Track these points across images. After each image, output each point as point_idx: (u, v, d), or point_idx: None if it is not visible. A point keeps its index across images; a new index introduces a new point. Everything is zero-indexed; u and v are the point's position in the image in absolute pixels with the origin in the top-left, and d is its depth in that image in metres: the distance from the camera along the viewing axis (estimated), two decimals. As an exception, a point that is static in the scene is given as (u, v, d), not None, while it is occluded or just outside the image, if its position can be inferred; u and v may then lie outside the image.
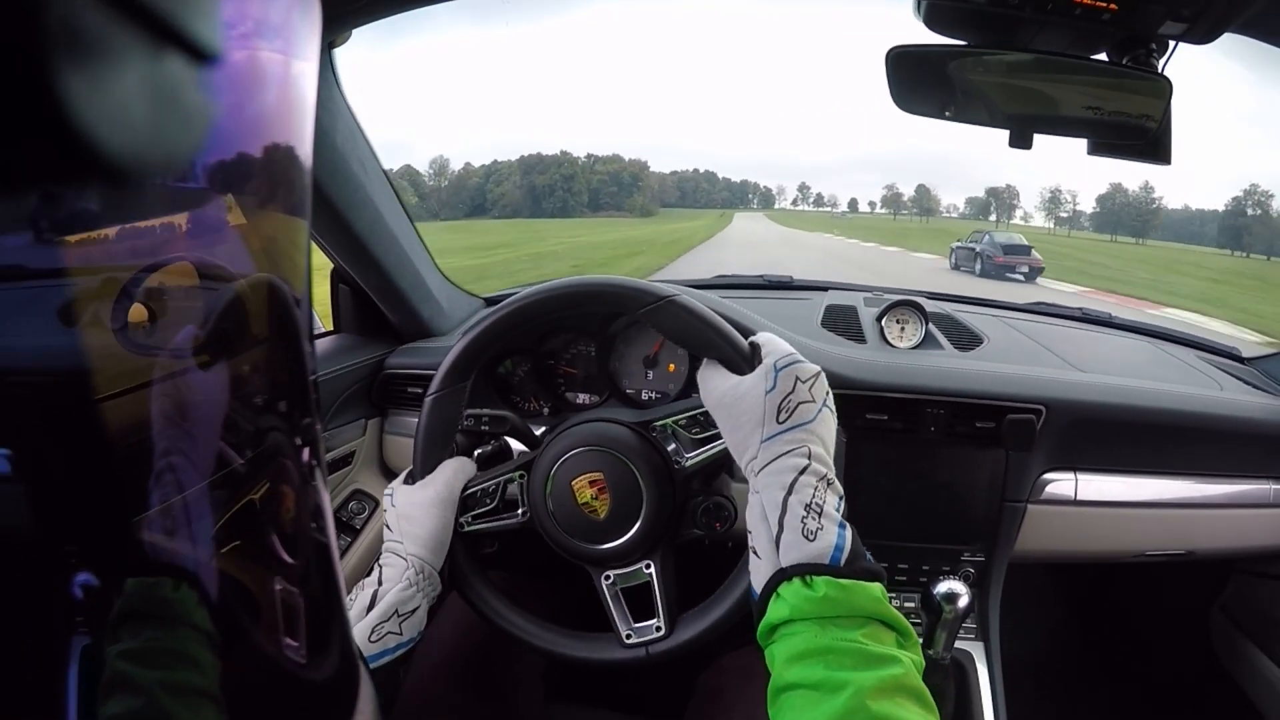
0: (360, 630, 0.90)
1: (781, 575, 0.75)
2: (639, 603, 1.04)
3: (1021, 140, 1.04)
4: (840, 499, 0.81)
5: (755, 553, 0.80)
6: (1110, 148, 1.09)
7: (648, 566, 1.03)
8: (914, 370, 1.31)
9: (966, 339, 1.49)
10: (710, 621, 1.00)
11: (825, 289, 1.77)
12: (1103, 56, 1.03)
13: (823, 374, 0.87)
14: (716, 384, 0.90)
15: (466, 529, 1.04)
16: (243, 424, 0.34)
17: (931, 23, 1.02)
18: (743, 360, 0.91)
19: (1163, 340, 1.73)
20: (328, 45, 1.11)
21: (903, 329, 1.48)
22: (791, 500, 0.78)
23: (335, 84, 1.18)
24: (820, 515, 0.77)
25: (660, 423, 1.02)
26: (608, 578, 1.04)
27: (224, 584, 0.32)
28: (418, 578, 0.97)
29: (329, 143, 1.16)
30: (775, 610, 0.75)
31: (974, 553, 1.32)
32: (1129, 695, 1.91)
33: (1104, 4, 0.92)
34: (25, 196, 0.22)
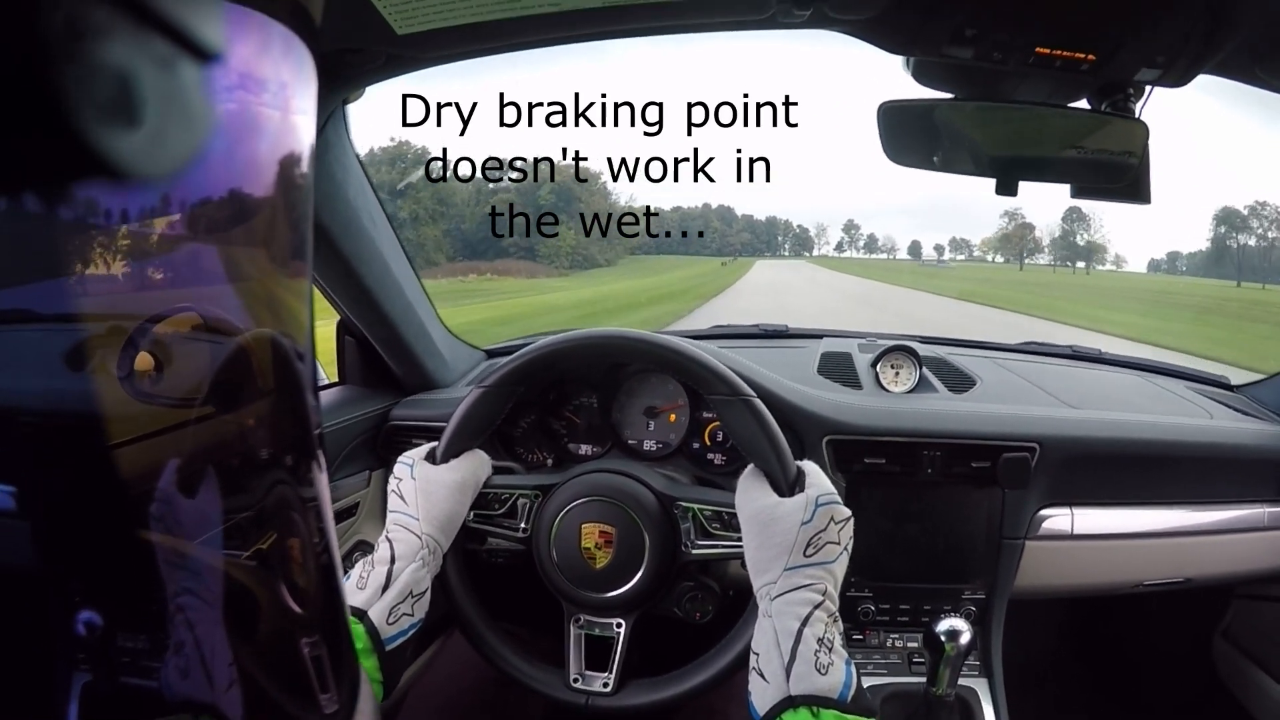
0: (378, 611, 0.90)
1: (789, 703, 0.79)
2: (596, 654, 1.07)
3: (1007, 188, 1.07)
4: (843, 635, 0.85)
5: (762, 675, 0.82)
6: (1094, 190, 1.12)
7: (619, 625, 1.07)
8: (909, 414, 1.33)
9: (960, 381, 1.52)
10: (658, 696, 1.04)
11: (820, 336, 1.80)
12: (1083, 104, 1.06)
13: (852, 519, 0.91)
14: (756, 497, 0.93)
15: (469, 523, 1.06)
16: (249, 477, 0.35)
17: (920, 77, 1.06)
18: (786, 482, 0.94)
19: (1152, 373, 1.75)
20: (340, 102, 1.13)
21: (897, 374, 1.50)
22: (806, 632, 0.81)
23: (348, 139, 1.20)
24: (831, 651, 0.81)
25: (685, 504, 1.05)
26: (578, 620, 1.08)
27: (232, 636, 0.33)
28: (430, 558, 0.98)
29: (341, 196, 1.19)
30: None
31: (974, 590, 1.33)
32: None
33: (1082, 55, 0.95)
34: (25, 195, 0.23)
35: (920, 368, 1.50)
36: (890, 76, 1.08)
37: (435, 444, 1.07)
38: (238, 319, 0.32)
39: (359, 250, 1.24)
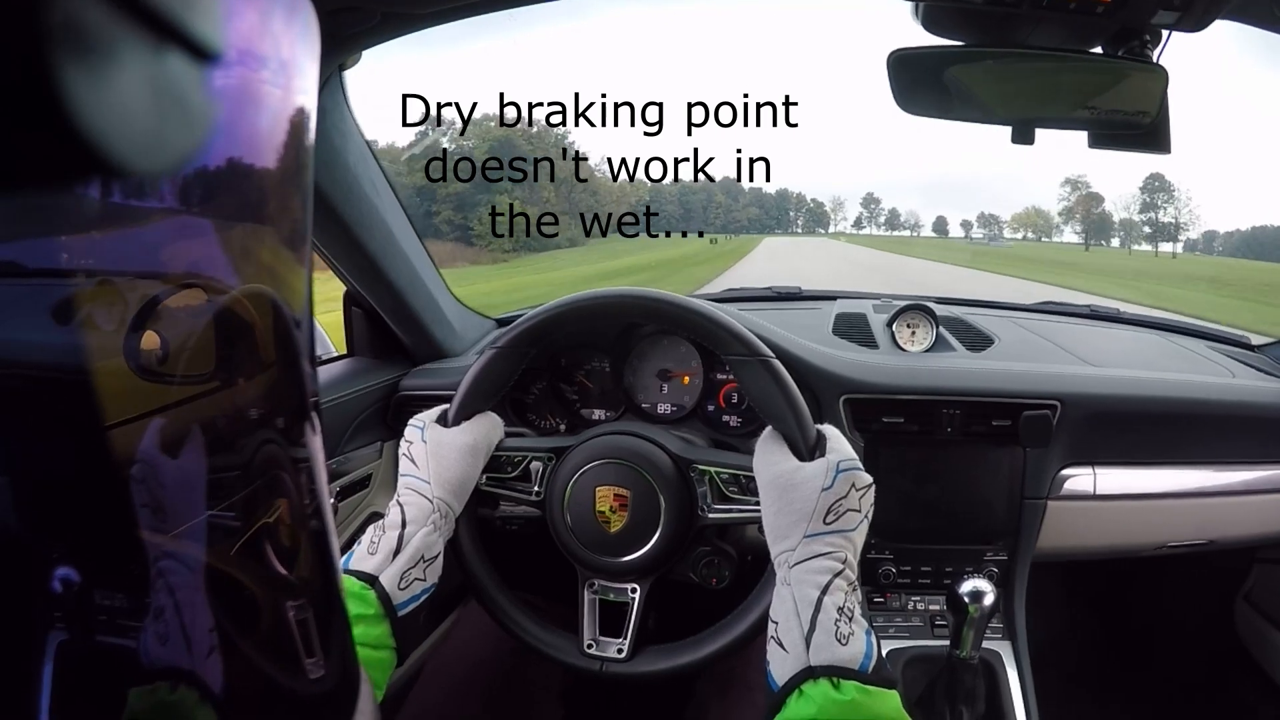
0: (390, 576, 0.89)
1: (809, 673, 0.77)
2: (611, 619, 1.06)
3: (1023, 136, 1.06)
4: (862, 604, 0.82)
5: (781, 645, 0.81)
6: (1110, 139, 1.10)
7: (634, 590, 1.06)
8: (927, 372, 1.32)
9: (978, 340, 1.50)
10: (672, 663, 1.03)
11: (834, 298, 1.78)
12: (1099, 50, 1.04)
13: (874, 487, 0.89)
14: (776, 461, 0.91)
15: (481, 487, 1.05)
16: (236, 436, 0.34)
17: (930, 25, 1.04)
18: (806, 446, 0.92)
19: (1172, 333, 1.73)
20: (337, 67, 1.12)
21: (913, 333, 1.48)
22: (826, 601, 0.80)
23: (346, 105, 1.19)
24: (851, 620, 0.79)
25: (702, 467, 1.03)
26: (592, 585, 1.07)
27: (224, 603, 0.33)
28: (442, 522, 0.97)
29: (341, 163, 1.18)
30: (799, 707, 0.76)
31: (997, 552, 1.31)
32: (1157, 689, 1.89)
33: (1098, -3, 0.93)
34: (24, 194, 0.22)
35: (937, 326, 1.48)
36: (901, 30, 1.07)
37: (447, 406, 1.05)
38: (232, 281, 0.32)
39: (361, 218, 1.23)
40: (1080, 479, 1.32)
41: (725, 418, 1.35)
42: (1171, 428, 1.34)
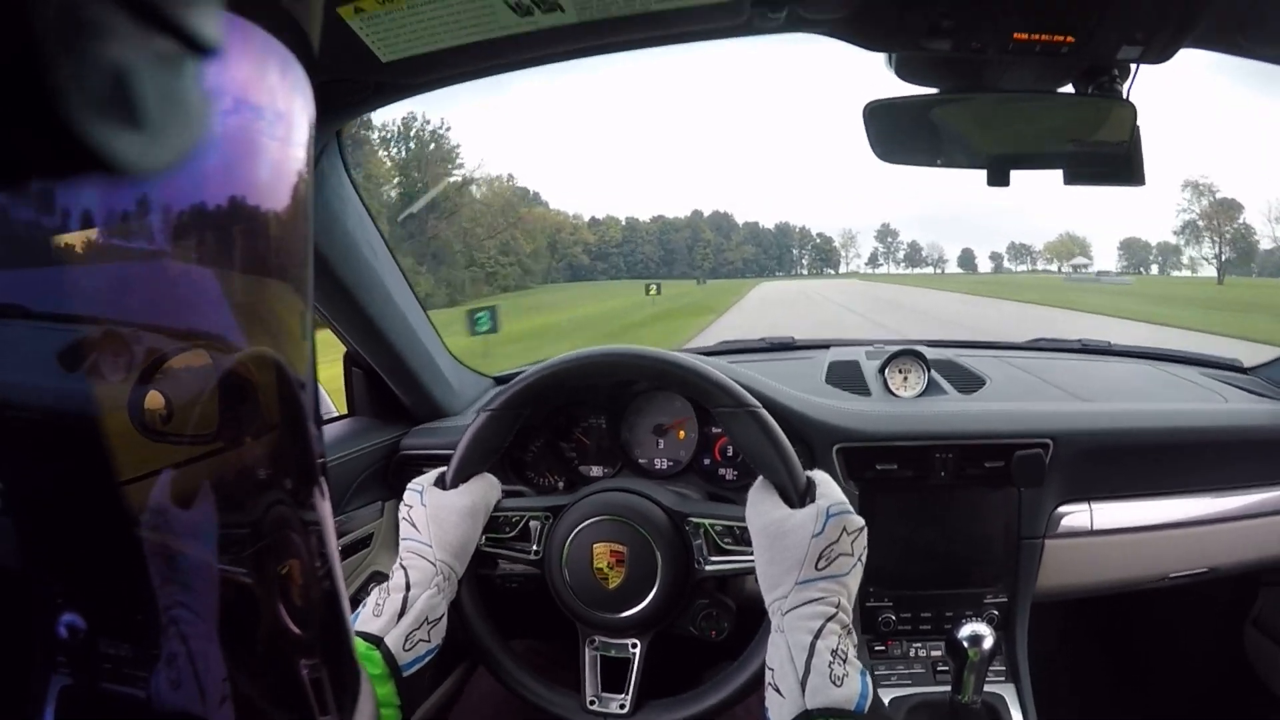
0: (395, 638, 0.90)
1: (805, 718, 0.78)
2: (613, 675, 1.06)
3: (999, 178, 1.07)
4: (856, 646, 0.84)
5: (777, 690, 0.82)
6: (1086, 175, 1.12)
7: (634, 645, 1.05)
8: (919, 417, 1.32)
9: (969, 382, 1.50)
10: (675, 717, 1.02)
11: (827, 346, 1.79)
12: (1070, 89, 1.06)
13: (865, 529, 0.90)
14: (767, 510, 0.92)
15: (481, 548, 1.05)
16: (246, 493, 0.35)
17: (903, 74, 1.06)
18: (796, 493, 0.93)
19: (1163, 361, 1.73)
20: (335, 133, 1.15)
21: (905, 378, 1.49)
22: (820, 644, 0.81)
23: (344, 170, 1.22)
24: (845, 662, 0.81)
25: (696, 520, 1.03)
26: (593, 642, 1.06)
27: (237, 654, 0.33)
28: (445, 584, 0.98)
29: (340, 227, 1.20)
30: None
31: (996, 594, 1.30)
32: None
33: (1061, 38, 0.95)
34: (23, 192, 0.23)
35: (929, 371, 1.49)
36: (877, 76, 1.08)
37: (444, 470, 1.06)
38: (237, 340, 0.32)
39: (360, 280, 1.25)
40: (1077, 516, 1.32)
41: (721, 471, 1.35)
42: (1165, 458, 1.34)
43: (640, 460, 1.37)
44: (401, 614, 0.92)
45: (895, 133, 1.06)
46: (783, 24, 0.93)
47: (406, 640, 0.91)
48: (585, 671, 1.06)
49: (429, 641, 0.94)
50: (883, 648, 1.31)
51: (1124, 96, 1.04)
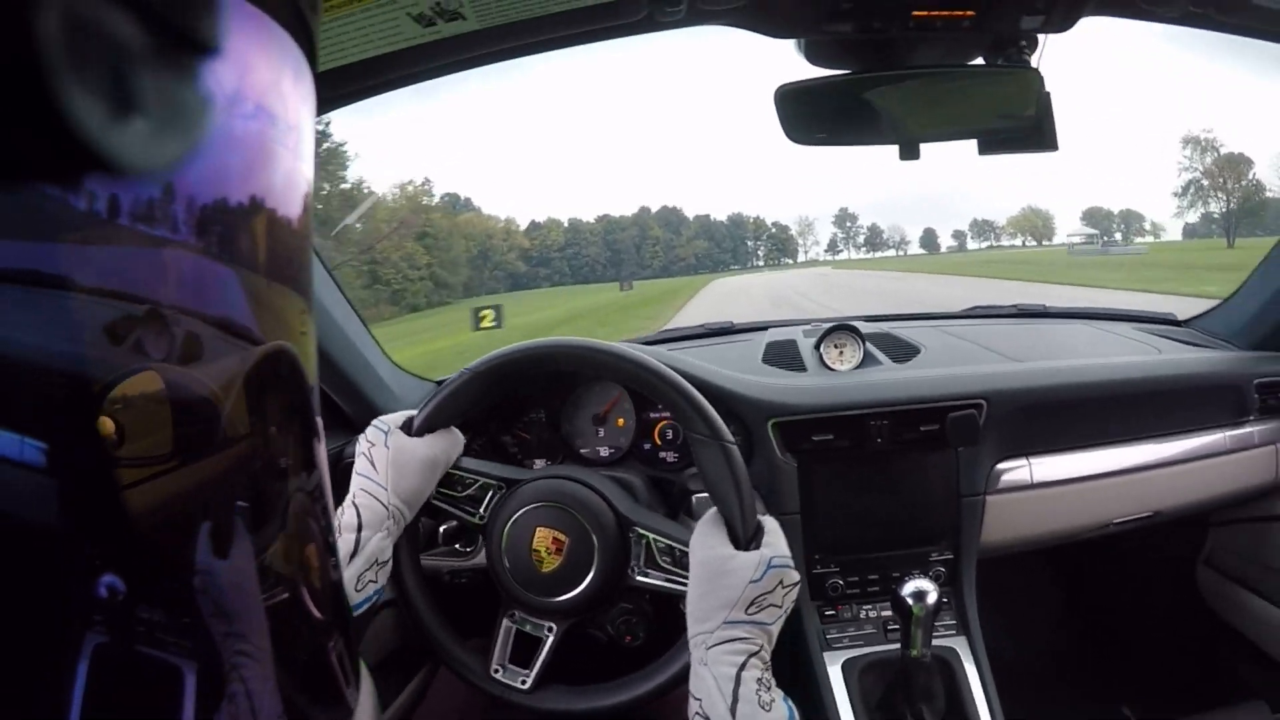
0: (348, 578, 0.91)
1: None
2: (522, 651, 1.09)
3: (910, 152, 1.09)
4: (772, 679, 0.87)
5: (706, 718, 0.84)
6: (998, 144, 1.14)
7: (550, 629, 1.09)
8: (853, 388, 1.35)
9: (904, 351, 1.53)
10: (571, 706, 1.07)
11: (765, 328, 1.81)
12: (981, 61, 1.08)
13: (799, 585, 0.92)
14: (711, 545, 0.93)
15: (430, 499, 1.07)
16: (272, 483, 0.36)
17: (813, 58, 1.08)
18: (744, 535, 0.94)
19: (1098, 320, 1.77)
20: None
21: (841, 353, 1.51)
22: (744, 675, 0.84)
23: None
24: (770, 689, 0.84)
25: (642, 532, 1.06)
26: (512, 615, 1.10)
27: (279, 647, 0.35)
28: (395, 528, 0.99)
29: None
30: None
31: (941, 551, 1.34)
32: (1131, 665, 1.92)
33: (960, 13, 0.97)
34: (23, 192, 0.23)
35: (864, 344, 1.51)
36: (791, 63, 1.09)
37: (412, 413, 1.07)
38: (258, 334, 0.33)
39: None
40: (1016, 471, 1.35)
41: (662, 454, 1.37)
42: (1101, 410, 1.38)
43: (583, 450, 1.39)
44: (353, 555, 0.93)
45: (806, 114, 1.07)
46: (684, 17, 0.95)
47: (358, 580, 0.93)
48: (497, 640, 1.10)
49: (376, 582, 0.96)
50: (832, 612, 1.34)
51: (1033, 65, 1.06)
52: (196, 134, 0.28)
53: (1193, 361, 1.45)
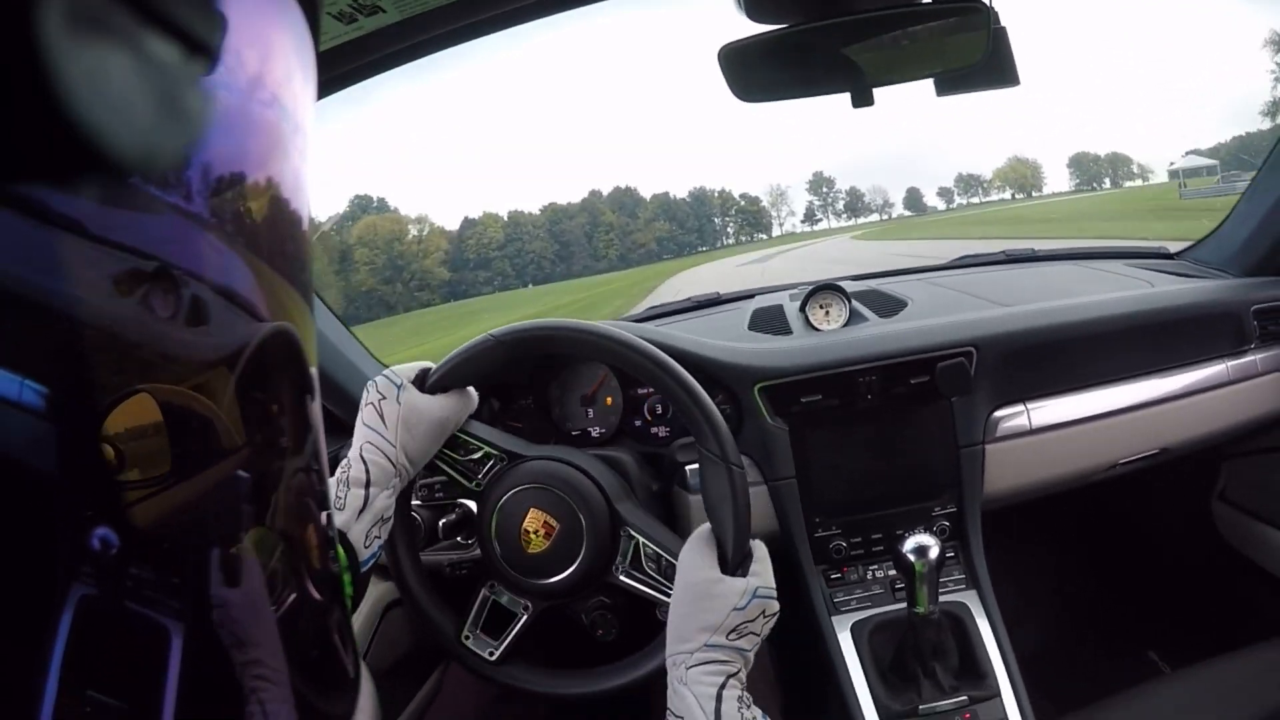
0: (357, 533, 0.91)
1: None
2: (494, 622, 1.10)
3: (863, 98, 1.07)
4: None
5: None
6: (955, 82, 1.12)
7: (526, 606, 1.09)
8: (838, 345, 1.33)
9: (891, 306, 1.51)
10: (531, 687, 1.09)
11: (752, 295, 1.79)
12: (927, 0, 1.07)
13: (778, 615, 0.91)
14: (700, 565, 0.92)
15: (434, 459, 1.06)
16: (276, 471, 0.36)
17: (754, 15, 1.06)
18: (734, 560, 0.93)
19: (1088, 259, 1.74)
20: None
21: (827, 313, 1.49)
22: (726, 693, 0.84)
23: None
24: (750, 707, 0.84)
25: (634, 533, 1.05)
26: (491, 585, 1.10)
27: (283, 629, 0.35)
28: (400, 484, 0.99)
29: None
30: None
31: (944, 505, 1.32)
32: (1152, 611, 1.89)
33: (898, -49, 0.96)
34: (23, 191, 0.23)
35: (850, 302, 1.49)
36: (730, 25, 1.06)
37: (426, 367, 1.05)
38: (262, 312, 0.34)
39: None
40: (1014, 418, 1.33)
41: (653, 430, 1.37)
42: (1095, 349, 1.35)
43: (574, 433, 1.39)
44: (362, 510, 0.93)
45: (752, 71, 1.06)
46: None
47: (365, 537, 0.92)
48: (473, 607, 1.10)
49: (380, 538, 0.95)
50: (838, 575, 1.32)
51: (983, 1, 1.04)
52: (203, 123, 0.28)
53: (1187, 292, 1.42)
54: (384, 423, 0.98)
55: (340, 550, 0.88)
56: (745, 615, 0.87)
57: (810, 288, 1.53)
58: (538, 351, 1.08)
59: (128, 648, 0.28)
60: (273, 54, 0.32)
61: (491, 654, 1.08)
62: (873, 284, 1.64)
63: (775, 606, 0.90)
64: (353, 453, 0.97)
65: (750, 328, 1.52)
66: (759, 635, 0.89)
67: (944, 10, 1.05)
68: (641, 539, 1.04)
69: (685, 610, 0.89)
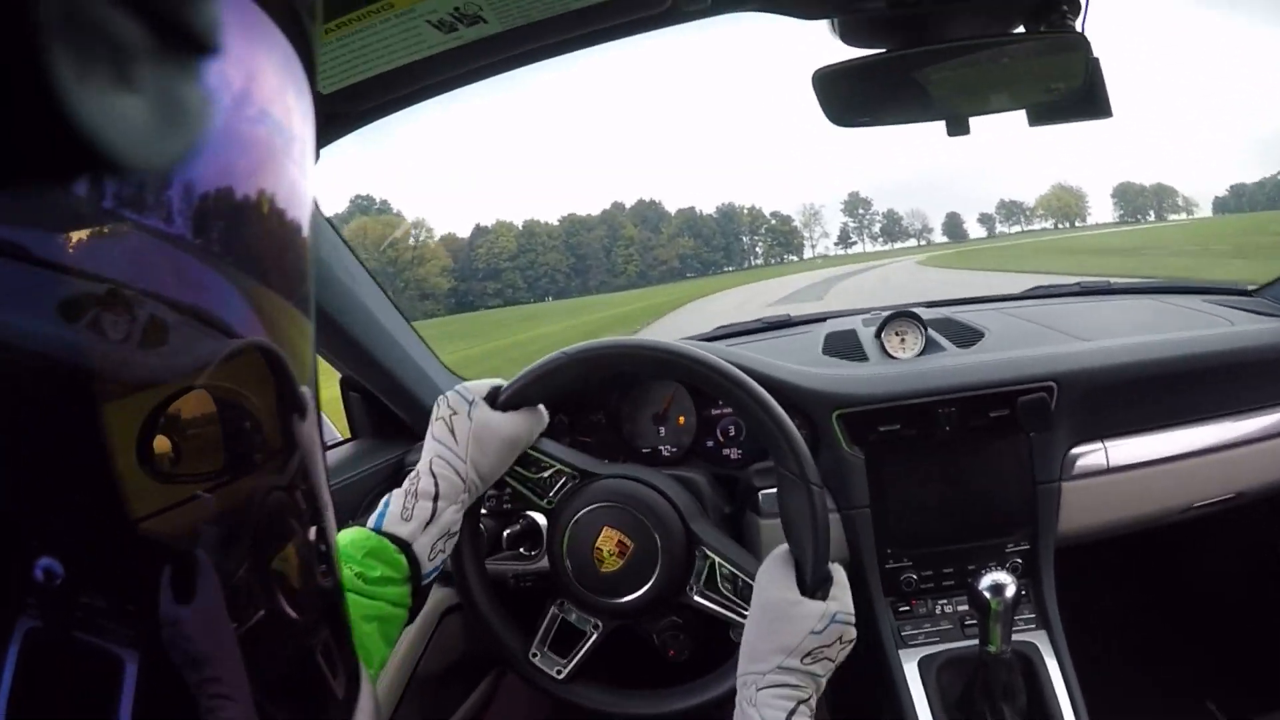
0: (422, 545, 0.91)
1: None
2: (563, 640, 1.09)
3: (958, 127, 1.07)
4: None
5: None
6: (1048, 114, 1.11)
7: (596, 625, 1.08)
8: (916, 375, 1.31)
9: (967, 336, 1.49)
10: (599, 705, 1.07)
11: (824, 319, 1.78)
12: (1022, 30, 1.05)
13: (854, 643, 0.90)
14: (777, 586, 0.91)
15: (504, 476, 1.06)
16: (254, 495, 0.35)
17: (848, 38, 1.06)
18: (813, 582, 0.91)
19: (1164, 294, 1.71)
20: None
21: (903, 340, 1.48)
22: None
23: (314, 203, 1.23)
24: None
25: (709, 554, 1.04)
26: (561, 604, 1.09)
27: (252, 650, 0.34)
28: (468, 499, 0.98)
29: (315, 257, 1.21)
30: None
31: (1018, 542, 1.29)
32: (1215, 660, 1.84)
33: (1000, -23, 0.95)
34: (22, 189, 0.23)
35: (925, 330, 1.47)
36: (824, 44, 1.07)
37: (498, 384, 1.04)
38: (241, 330, 0.33)
39: (342, 305, 1.28)
40: (1092, 455, 1.30)
41: (725, 451, 1.36)
42: (1176, 387, 1.32)
43: (644, 451, 1.38)
44: (429, 523, 0.93)
45: (846, 96, 1.05)
46: (710, 5, 0.93)
47: (431, 550, 0.92)
48: (541, 624, 1.09)
49: (445, 552, 0.95)
50: (907, 608, 1.30)
51: (1078, 30, 1.03)
52: (198, 130, 0.28)
53: (1268, 332, 1.38)
54: (454, 438, 0.98)
55: (403, 560, 0.89)
56: (822, 640, 0.85)
57: (885, 314, 1.52)
58: (611, 370, 1.07)
59: (79, 676, 0.28)
60: (263, 65, 0.32)
61: (559, 672, 1.07)
62: (947, 312, 1.62)
63: (853, 634, 0.89)
64: (422, 465, 0.97)
65: (824, 352, 1.51)
66: (834, 661, 0.88)
67: (1041, 40, 1.04)
68: (717, 559, 1.03)
69: (761, 630, 0.88)
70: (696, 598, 1.04)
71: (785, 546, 0.95)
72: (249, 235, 0.32)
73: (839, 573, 0.94)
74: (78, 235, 0.26)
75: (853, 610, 0.90)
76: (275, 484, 0.36)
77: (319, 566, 0.40)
